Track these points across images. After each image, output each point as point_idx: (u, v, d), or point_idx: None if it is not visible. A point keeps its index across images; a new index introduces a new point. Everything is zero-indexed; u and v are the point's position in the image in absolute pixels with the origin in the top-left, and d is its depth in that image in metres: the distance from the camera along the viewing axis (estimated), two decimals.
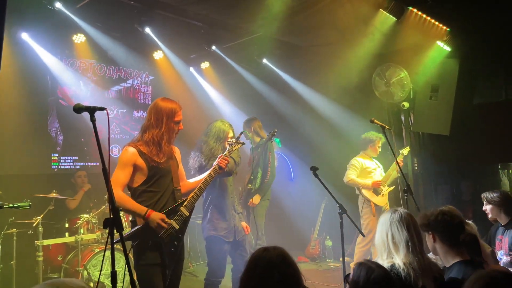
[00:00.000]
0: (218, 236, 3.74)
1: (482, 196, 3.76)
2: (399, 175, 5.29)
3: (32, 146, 5.69)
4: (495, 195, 3.65)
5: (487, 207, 3.68)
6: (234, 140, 3.47)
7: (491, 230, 3.92)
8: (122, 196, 2.79)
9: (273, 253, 1.87)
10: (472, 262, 2.39)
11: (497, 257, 3.59)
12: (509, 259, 3.48)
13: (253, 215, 4.81)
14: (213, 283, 3.78)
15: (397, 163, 4.49)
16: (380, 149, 5.45)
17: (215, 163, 3.18)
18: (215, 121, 3.95)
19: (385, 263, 2.27)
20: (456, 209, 3.15)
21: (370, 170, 5.38)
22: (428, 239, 2.44)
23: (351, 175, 5.32)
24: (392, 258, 2.25)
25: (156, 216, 2.77)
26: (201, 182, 3.05)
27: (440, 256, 2.45)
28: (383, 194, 5.31)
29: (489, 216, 3.73)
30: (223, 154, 3.25)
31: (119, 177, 2.81)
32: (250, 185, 4.96)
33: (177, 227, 2.86)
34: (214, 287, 3.79)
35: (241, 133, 3.91)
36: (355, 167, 5.37)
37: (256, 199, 4.91)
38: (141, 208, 2.78)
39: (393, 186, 5.43)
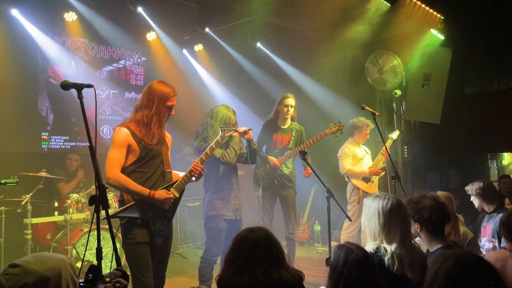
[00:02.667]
0: (217, 214, 3.82)
1: (465, 189, 3.84)
2: (384, 165, 5.28)
3: (22, 124, 5.64)
4: (476, 186, 3.74)
5: (472, 198, 3.78)
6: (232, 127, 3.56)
7: (478, 218, 4.01)
8: (123, 178, 2.79)
9: (259, 234, 1.91)
10: (454, 247, 2.46)
11: (480, 244, 3.69)
12: (491, 246, 3.56)
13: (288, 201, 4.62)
14: (208, 261, 3.83)
15: (386, 149, 4.53)
16: (368, 136, 5.31)
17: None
18: (220, 105, 3.97)
19: (370, 245, 2.31)
20: (451, 196, 3.21)
21: (360, 157, 5.29)
22: (413, 226, 2.47)
23: (347, 165, 5.18)
24: (382, 243, 2.27)
25: (161, 193, 2.84)
26: (184, 174, 3.04)
27: (424, 242, 2.51)
28: (372, 181, 5.24)
29: (476, 206, 3.81)
30: (214, 142, 3.28)
31: (117, 158, 2.81)
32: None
33: (177, 195, 2.93)
34: (210, 266, 3.85)
35: (250, 129, 3.75)
36: (348, 155, 5.23)
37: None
38: (143, 189, 2.80)
39: (383, 172, 5.36)
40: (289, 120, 4.68)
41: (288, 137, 4.65)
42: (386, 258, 2.19)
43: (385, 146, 4.44)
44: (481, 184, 3.73)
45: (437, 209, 2.43)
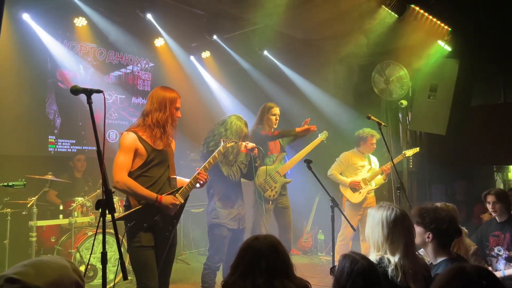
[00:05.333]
0: (220, 223, 3.81)
1: (495, 192, 3.72)
2: (384, 181, 5.31)
3: (29, 127, 5.70)
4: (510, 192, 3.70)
5: (497, 205, 3.67)
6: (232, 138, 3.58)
7: (482, 227, 3.96)
8: (131, 181, 2.81)
9: (263, 243, 1.92)
10: (458, 259, 2.45)
11: (492, 253, 3.67)
12: (511, 254, 3.55)
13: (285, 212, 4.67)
14: (211, 268, 3.84)
15: (392, 161, 4.50)
16: (374, 146, 5.36)
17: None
18: (232, 116, 3.94)
19: (373, 255, 2.30)
20: (455, 208, 3.19)
21: (357, 167, 5.35)
22: (420, 234, 2.46)
23: (333, 169, 5.37)
24: (385, 253, 2.26)
25: (168, 198, 2.87)
26: (188, 182, 3.07)
27: (428, 253, 2.49)
28: (360, 192, 5.26)
29: (495, 213, 3.72)
30: (216, 151, 3.30)
31: (124, 162, 2.83)
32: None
33: (182, 201, 2.97)
34: (212, 272, 3.86)
35: (257, 147, 3.87)
36: (341, 162, 5.38)
37: None
38: (151, 194, 2.83)
39: (376, 187, 5.38)
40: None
41: (278, 144, 4.72)
42: (389, 269, 2.18)
43: (391, 158, 4.41)
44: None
45: (453, 221, 2.44)
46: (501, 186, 8.00)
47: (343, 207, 5.30)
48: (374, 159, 5.54)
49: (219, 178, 3.85)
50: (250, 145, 3.78)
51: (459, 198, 6.53)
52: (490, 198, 3.70)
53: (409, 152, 5.37)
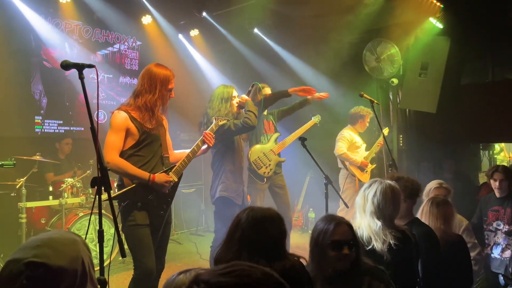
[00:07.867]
0: (229, 197, 3.79)
1: (503, 169, 3.78)
2: (374, 155, 5.35)
3: (15, 108, 5.54)
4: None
5: (504, 182, 3.73)
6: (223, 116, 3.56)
7: (481, 202, 4.03)
8: (122, 162, 2.77)
9: (249, 214, 1.84)
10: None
11: (490, 228, 3.76)
12: (511, 228, 3.64)
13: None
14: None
15: (384, 138, 4.53)
16: (368, 124, 5.40)
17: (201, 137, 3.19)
18: (217, 87, 4.00)
19: (356, 222, 2.41)
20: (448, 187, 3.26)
21: (358, 145, 5.35)
22: (409, 204, 2.70)
23: (344, 148, 5.22)
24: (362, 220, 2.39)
25: (161, 176, 2.83)
26: (190, 151, 3.06)
27: (404, 217, 2.67)
28: (366, 171, 5.32)
29: (499, 190, 3.78)
30: (208, 129, 3.25)
31: (115, 142, 2.78)
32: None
33: (176, 179, 2.94)
34: None
35: (253, 85, 4.00)
36: (346, 139, 5.27)
37: None
38: (143, 173, 2.78)
39: (375, 164, 5.44)
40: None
41: (271, 123, 4.71)
42: (363, 234, 2.33)
43: (383, 135, 4.44)
44: None
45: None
46: (487, 164, 8.13)
47: (356, 188, 5.16)
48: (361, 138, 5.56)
49: (226, 153, 3.86)
50: (244, 97, 3.91)
51: (446, 175, 6.61)
52: (498, 176, 3.74)
53: (385, 131, 5.29)
